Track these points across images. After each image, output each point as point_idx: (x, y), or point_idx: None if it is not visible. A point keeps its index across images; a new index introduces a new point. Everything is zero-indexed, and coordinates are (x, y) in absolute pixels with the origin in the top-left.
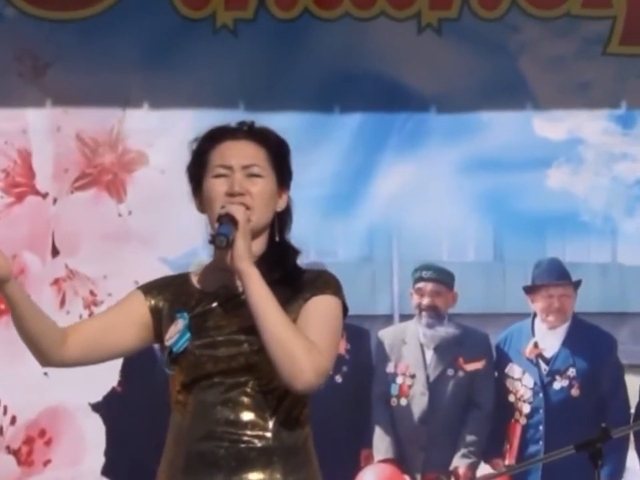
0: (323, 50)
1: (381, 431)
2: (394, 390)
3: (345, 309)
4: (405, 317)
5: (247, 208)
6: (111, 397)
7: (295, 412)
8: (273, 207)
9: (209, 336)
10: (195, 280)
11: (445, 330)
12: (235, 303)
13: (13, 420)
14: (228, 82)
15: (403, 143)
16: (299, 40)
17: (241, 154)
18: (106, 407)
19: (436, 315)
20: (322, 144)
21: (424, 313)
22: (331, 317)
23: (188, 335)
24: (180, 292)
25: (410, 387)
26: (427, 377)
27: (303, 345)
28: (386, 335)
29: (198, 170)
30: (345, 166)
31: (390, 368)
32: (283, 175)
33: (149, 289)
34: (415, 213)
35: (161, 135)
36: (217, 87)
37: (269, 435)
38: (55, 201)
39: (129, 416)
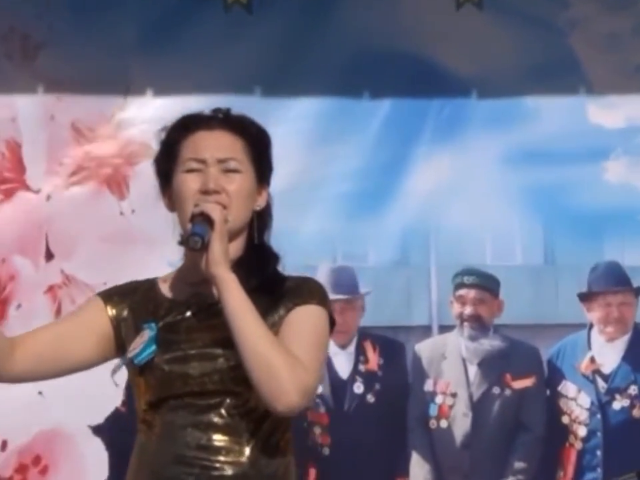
0: (350, 27)
1: (418, 456)
2: (433, 411)
3: (332, 321)
4: (444, 329)
5: (224, 207)
6: (114, 418)
7: (275, 437)
8: (252, 206)
9: (180, 349)
10: (163, 287)
11: (490, 343)
12: (210, 313)
13: (4, 445)
14: (242, 65)
15: (439, 132)
16: (322, 16)
17: (215, 146)
18: (108, 430)
19: (479, 325)
20: (349, 133)
21: (466, 324)
22: (316, 329)
23: (153, 347)
24: (146, 300)
25: (451, 407)
26: (470, 396)
27: (285, 361)
28: (423, 348)
29: (167, 163)
30: (374, 158)
31: (428, 386)
32: (262, 169)
33: (109, 295)
34: (454, 211)
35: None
36: (229, 71)
37: (244, 461)
38: (48, 197)
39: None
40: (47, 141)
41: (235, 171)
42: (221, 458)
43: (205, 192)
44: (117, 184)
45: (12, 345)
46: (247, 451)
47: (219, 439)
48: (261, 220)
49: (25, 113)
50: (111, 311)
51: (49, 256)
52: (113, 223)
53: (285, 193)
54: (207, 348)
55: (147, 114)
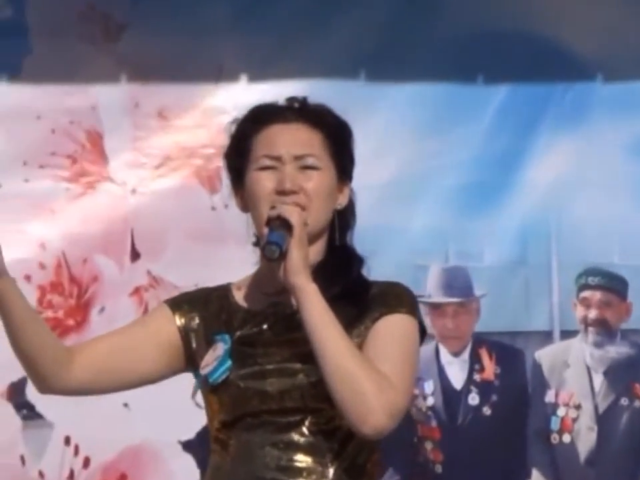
0: (463, 5)
1: (538, 474)
2: (555, 424)
3: (422, 331)
4: (567, 334)
5: (302, 209)
6: (206, 433)
7: (361, 458)
8: (332, 205)
9: (256, 364)
10: (238, 295)
11: (617, 350)
12: (288, 325)
13: (86, 462)
14: (345, 46)
15: (561, 119)
16: None
17: (291, 141)
18: (200, 446)
19: (605, 331)
20: (461, 121)
21: (591, 329)
22: (406, 341)
23: (229, 362)
24: (219, 309)
25: (574, 420)
26: (596, 408)
27: (372, 378)
28: (544, 356)
29: (238, 160)
30: (489, 148)
31: (550, 397)
32: (343, 164)
33: (178, 303)
34: (578, 205)
35: None
36: (331, 53)
37: None
38: (133, 191)
39: None
40: (131, 130)
41: (313, 167)
42: None
43: (281, 192)
44: (208, 176)
45: (70, 353)
46: (331, 472)
47: (300, 460)
48: (342, 220)
49: (107, 100)
50: (180, 321)
51: (135, 255)
52: (204, 218)
53: (392, 186)
54: (285, 363)
55: (241, 100)
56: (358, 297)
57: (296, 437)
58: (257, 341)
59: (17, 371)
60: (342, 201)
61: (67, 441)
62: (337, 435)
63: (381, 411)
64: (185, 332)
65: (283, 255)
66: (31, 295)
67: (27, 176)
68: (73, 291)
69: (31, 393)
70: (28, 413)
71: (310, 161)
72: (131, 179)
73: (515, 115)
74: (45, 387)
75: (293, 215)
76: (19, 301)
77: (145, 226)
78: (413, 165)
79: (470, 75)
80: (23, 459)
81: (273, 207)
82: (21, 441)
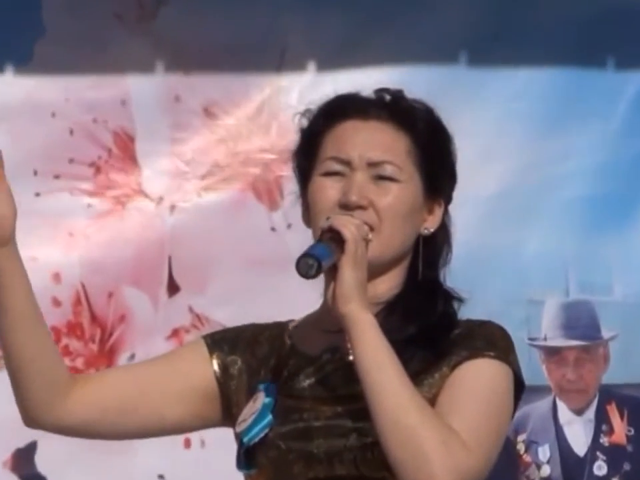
0: None
1: None
2: None
3: (518, 383)
4: None
5: (370, 228)
6: None
7: None
8: (415, 228)
9: (301, 420)
10: (295, 335)
11: None
12: (348, 376)
13: None
14: (441, 25)
15: None
16: None
17: (367, 143)
18: None
19: None
20: (586, 116)
21: None
22: (490, 393)
23: (269, 417)
24: (269, 352)
25: None
26: None
27: (437, 436)
28: None
29: (305, 161)
30: (622, 151)
31: None
32: (435, 178)
33: (218, 342)
34: None
35: None
36: (424, 33)
37: None
38: (172, 208)
39: None
40: (169, 131)
41: (391, 179)
42: None
43: (345, 205)
44: (267, 189)
45: (73, 380)
46: None
47: None
48: (430, 248)
49: (140, 93)
50: (217, 364)
51: (173, 288)
52: (261, 241)
53: (498, 200)
54: (336, 419)
55: (309, 94)
56: (437, 338)
57: None
58: (307, 394)
59: (24, 435)
60: (430, 225)
61: None
62: None
63: (445, 475)
64: (223, 378)
65: (331, 274)
66: None
67: (39, 188)
68: (95, 334)
69: (41, 461)
70: None
71: (388, 170)
72: (169, 193)
73: None
74: (31, 418)
75: (346, 226)
76: (21, 286)
77: (187, 251)
78: (526, 172)
79: (598, 60)
80: None
81: (328, 218)
82: None
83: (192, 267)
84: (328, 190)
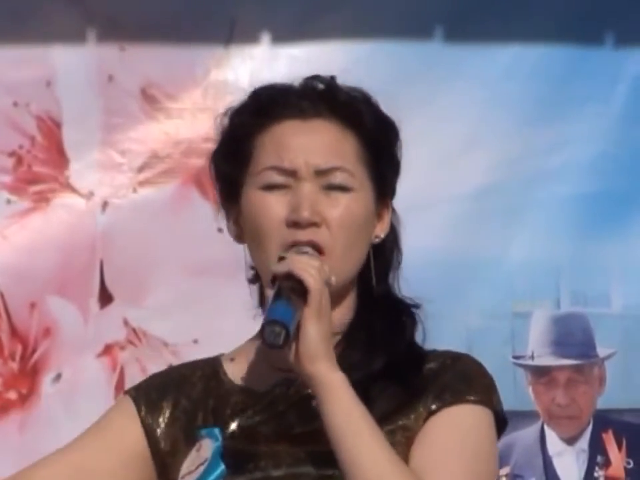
0: None
1: None
2: None
3: (500, 421)
4: None
5: (321, 252)
6: None
7: None
8: (367, 240)
9: (258, 468)
10: (232, 370)
11: None
12: (305, 412)
13: None
14: None
15: None
16: None
17: (312, 147)
18: None
19: None
20: (579, 101)
21: None
22: (475, 446)
23: (221, 467)
24: (204, 393)
25: None
26: None
27: None
28: None
29: (233, 168)
30: (620, 140)
31: None
32: (386, 179)
33: (145, 392)
34: None
35: None
36: (394, 4)
37: None
38: (104, 205)
39: None
40: (101, 115)
41: (342, 188)
42: None
43: (295, 224)
44: (212, 183)
45: None
46: None
47: None
48: (382, 258)
49: (68, 72)
50: (146, 418)
51: (106, 298)
52: (207, 244)
53: (480, 198)
54: (297, 466)
55: (263, 72)
56: (408, 375)
57: None
58: (260, 436)
59: None
60: (380, 231)
61: None
62: None
63: None
64: (152, 433)
65: (293, 337)
66: None
67: None
68: (15, 350)
69: None
70: None
71: (338, 178)
72: (101, 188)
73: None
74: None
75: (308, 271)
76: None
77: (121, 255)
78: (511, 167)
79: (595, 35)
80: None
81: (281, 258)
82: None
83: (127, 273)
84: (272, 207)
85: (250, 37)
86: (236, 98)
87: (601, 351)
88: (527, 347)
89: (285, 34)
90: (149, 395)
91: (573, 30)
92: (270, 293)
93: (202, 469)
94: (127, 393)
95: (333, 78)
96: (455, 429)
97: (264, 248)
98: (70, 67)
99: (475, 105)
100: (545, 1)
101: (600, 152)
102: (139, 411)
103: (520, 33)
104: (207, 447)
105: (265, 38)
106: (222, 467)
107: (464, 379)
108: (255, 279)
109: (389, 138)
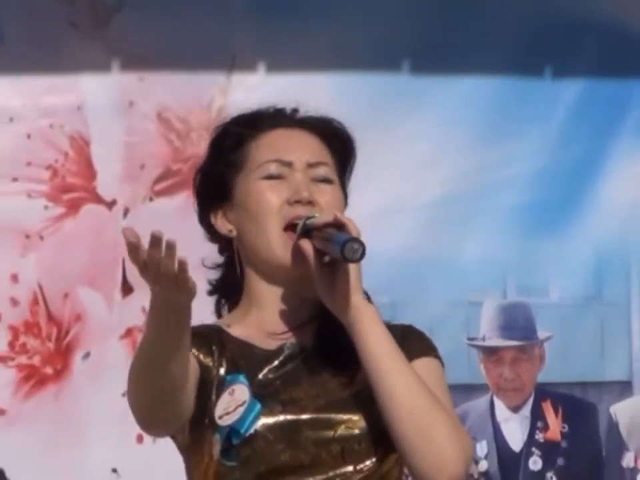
0: None
1: None
2: None
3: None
4: None
5: None
6: None
7: None
8: None
9: (286, 411)
10: (236, 333)
11: None
12: (313, 366)
13: None
14: (385, 32)
15: None
16: None
17: (302, 146)
18: None
19: None
20: (525, 124)
21: None
22: (445, 385)
23: (258, 406)
24: (221, 348)
25: None
26: None
27: (448, 422)
28: (621, 411)
29: (227, 171)
30: (558, 158)
31: (628, 461)
32: (346, 184)
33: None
34: None
35: None
36: (368, 40)
37: None
38: (125, 211)
39: None
40: (124, 135)
41: (326, 180)
42: None
43: (297, 201)
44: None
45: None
46: None
47: None
48: None
49: (95, 98)
50: (198, 356)
51: (127, 289)
52: (209, 244)
53: (440, 205)
54: (322, 412)
55: (259, 97)
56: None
57: None
58: (282, 385)
59: None
60: None
61: None
62: None
63: (459, 460)
64: (203, 369)
65: (322, 267)
66: (1, 337)
67: None
68: (51, 333)
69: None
70: None
71: (323, 170)
72: (123, 197)
73: (589, 118)
74: (168, 423)
75: (349, 220)
76: (188, 319)
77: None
78: (466, 179)
79: (536, 69)
80: None
81: (294, 225)
82: None
83: None
84: (273, 191)
85: (248, 68)
86: None
87: (541, 334)
88: (479, 330)
89: (277, 65)
90: (194, 338)
91: (518, 64)
92: (332, 235)
93: (242, 409)
94: None
95: (296, 109)
96: (433, 372)
97: (265, 225)
98: (97, 93)
99: (436, 127)
100: (495, 40)
101: (541, 167)
102: (198, 351)
103: (475, 67)
104: (241, 391)
105: (260, 69)
106: (259, 406)
107: (423, 340)
108: (214, 291)
109: (353, 151)
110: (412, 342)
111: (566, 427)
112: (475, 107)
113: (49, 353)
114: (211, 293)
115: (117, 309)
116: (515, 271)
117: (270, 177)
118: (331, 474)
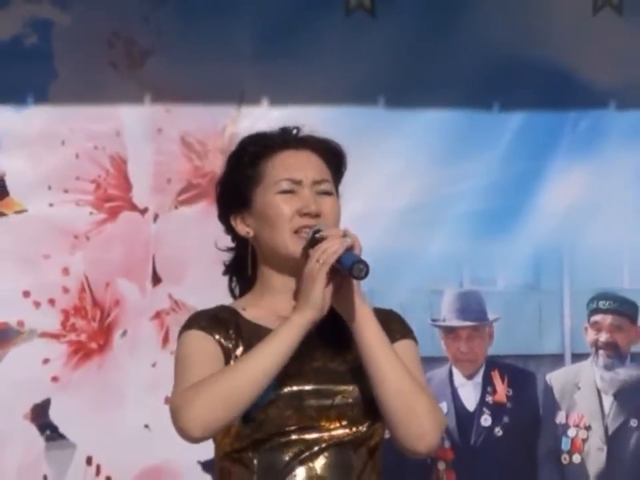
0: (480, 33)
1: None
2: (565, 445)
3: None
4: (578, 357)
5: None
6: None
7: (375, 476)
8: None
9: (295, 384)
10: (249, 316)
11: (627, 372)
12: (311, 346)
13: None
14: (364, 73)
15: (575, 146)
16: (450, 21)
17: (309, 166)
18: None
19: (616, 354)
20: (477, 148)
21: (601, 352)
22: (421, 366)
23: (274, 381)
24: (237, 328)
25: (584, 440)
26: (605, 429)
27: (427, 401)
28: (555, 378)
29: (247, 184)
30: (504, 174)
31: (560, 418)
32: (339, 191)
33: (210, 325)
34: (591, 231)
35: None
36: (350, 80)
37: None
38: (155, 217)
39: None
40: (153, 155)
41: (327, 193)
42: None
43: (306, 214)
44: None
45: None
46: None
47: (328, 477)
48: None
49: (131, 125)
50: (221, 342)
51: (156, 280)
52: (224, 243)
53: (409, 212)
54: (323, 384)
55: (263, 126)
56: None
57: (326, 454)
58: (289, 362)
59: (40, 393)
60: None
61: (89, 461)
62: (361, 454)
63: (435, 432)
64: (226, 354)
65: (340, 282)
66: (55, 319)
67: (52, 200)
68: (95, 315)
69: (54, 414)
70: (51, 434)
71: (325, 186)
72: (153, 205)
73: (529, 142)
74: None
75: (356, 239)
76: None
77: (167, 251)
78: (430, 191)
79: (486, 102)
80: (45, 478)
81: (317, 230)
82: (44, 461)
83: (171, 263)
84: (286, 204)
85: (254, 102)
86: None
87: (490, 316)
88: (440, 313)
89: (278, 100)
90: (213, 327)
91: (472, 99)
92: (346, 256)
93: None
94: (197, 329)
95: (298, 127)
96: (410, 353)
97: (278, 231)
98: (132, 121)
99: (406, 150)
100: (453, 80)
101: (490, 182)
102: (214, 338)
103: (436, 102)
104: None
105: (264, 102)
106: (274, 381)
107: (403, 324)
108: (227, 271)
109: (345, 167)
110: (394, 325)
111: (510, 391)
112: (437, 134)
113: (94, 331)
114: (224, 272)
115: (148, 295)
116: (469, 265)
117: (283, 192)
118: (326, 435)
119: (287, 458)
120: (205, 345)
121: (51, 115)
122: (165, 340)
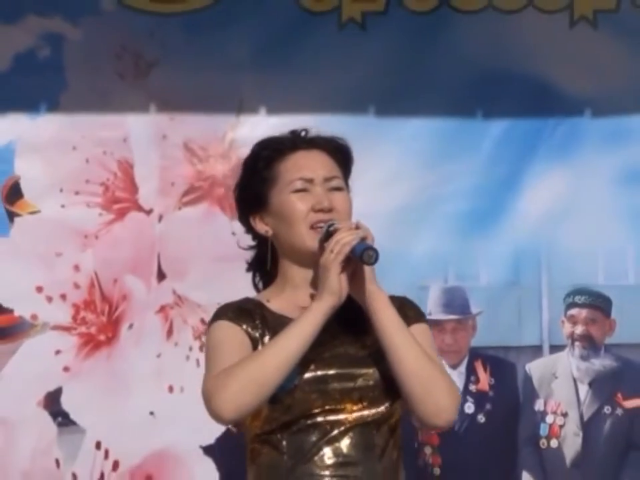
0: (463, 47)
1: (528, 476)
2: (543, 430)
3: None
4: (555, 348)
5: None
6: (225, 439)
7: (396, 454)
8: None
9: (318, 369)
10: (273, 307)
11: (602, 362)
12: (332, 333)
13: (116, 465)
14: (356, 83)
15: (553, 151)
16: (435, 35)
17: (319, 165)
18: (219, 451)
19: (591, 345)
20: (462, 153)
21: (577, 344)
22: (435, 347)
23: (296, 366)
24: (262, 318)
25: (561, 426)
26: (581, 416)
27: (444, 379)
28: (534, 368)
29: (263, 185)
30: (487, 178)
31: (539, 405)
32: (349, 186)
33: (237, 316)
34: (567, 231)
35: None
36: (343, 90)
37: (380, 472)
38: (160, 218)
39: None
40: (158, 160)
41: (338, 188)
42: (358, 474)
43: (320, 210)
44: (229, 204)
45: None
46: (379, 467)
47: (353, 455)
48: None
49: (137, 132)
50: (249, 332)
51: (161, 276)
52: (225, 242)
53: (398, 212)
54: (344, 368)
55: (260, 132)
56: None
57: (350, 434)
58: (313, 348)
59: (52, 382)
60: None
61: (98, 445)
62: (383, 432)
63: (452, 407)
64: (254, 343)
65: (354, 269)
66: (66, 312)
67: (63, 202)
68: (104, 309)
69: (66, 401)
70: (63, 420)
71: (335, 182)
72: (158, 206)
73: (510, 147)
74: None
75: (368, 230)
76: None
77: (171, 249)
78: (418, 193)
79: (470, 111)
80: (57, 462)
81: (331, 225)
82: (56, 446)
83: (175, 260)
84: (301, 202)
85: (252, 110)
86: (244, 150)
87: (474, 310)
88: (426, 308)
89: (274, 108)
90: (240, 317)
91: (456, 107)
92: (358, 244)
93: None
94: (225, 320)
95: (307, 129)
96: (425, 336)
97: (296, 227)
98: (138, 129)
99: (395, 155)
100: (439, 89)
101: (474, 184)
102: (241, 328)
103: (423, 110)
104: None
105: (262, 111)
106: (297, 366)
107: (417, 310)
108: (250, 268)
109: (352, 161)
110: (408, 310)
111: (492, 380)
112: (424, 140)
113: (102, 324)
114: (248, 269)
115: (153, 291)
116: (454, 262)
117: (297, 191)
118: (350, 416)
119: (314, 439)
120: (233, 334)
121: (63, 122)
122: (169, 332)
